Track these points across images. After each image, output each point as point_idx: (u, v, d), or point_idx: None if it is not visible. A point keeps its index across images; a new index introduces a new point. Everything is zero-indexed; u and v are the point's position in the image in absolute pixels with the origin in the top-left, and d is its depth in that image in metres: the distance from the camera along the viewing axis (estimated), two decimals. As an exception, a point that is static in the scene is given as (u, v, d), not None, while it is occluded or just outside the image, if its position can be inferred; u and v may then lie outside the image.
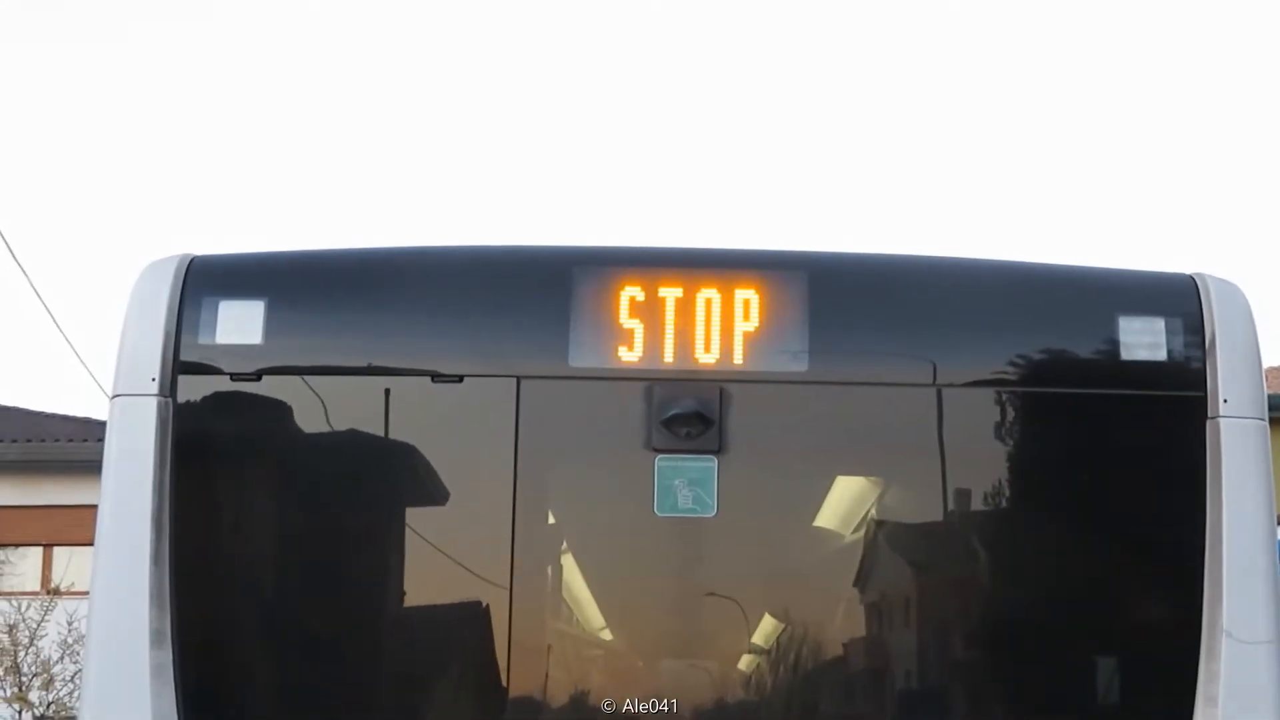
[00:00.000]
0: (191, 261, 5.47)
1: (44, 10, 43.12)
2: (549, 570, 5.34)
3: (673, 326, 5.32)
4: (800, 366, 5.32)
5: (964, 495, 5.34)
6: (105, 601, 5.22)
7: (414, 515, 5.37)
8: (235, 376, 5.33)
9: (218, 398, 5.35)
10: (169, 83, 46.43)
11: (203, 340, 5.35)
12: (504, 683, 5.21)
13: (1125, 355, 5.33)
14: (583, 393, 5.32)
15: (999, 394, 5.34)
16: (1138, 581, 5.30)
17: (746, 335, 5.33)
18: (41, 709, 23.71)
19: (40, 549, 26.73)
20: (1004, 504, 5.38)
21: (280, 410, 5.37)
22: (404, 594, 5.38)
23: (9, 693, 23.73)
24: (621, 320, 5.33)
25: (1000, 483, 5.37)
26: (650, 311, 5.33)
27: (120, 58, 47.22)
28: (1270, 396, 5.65)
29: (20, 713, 23.78)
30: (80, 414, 28.67)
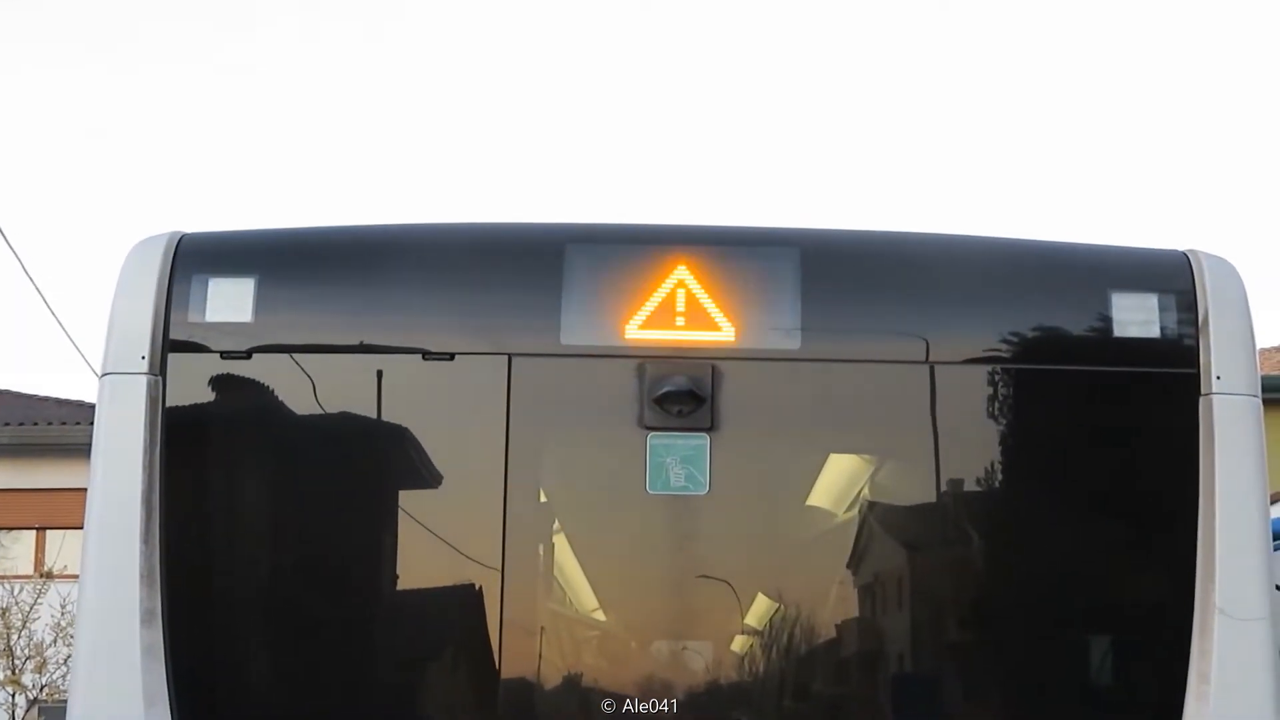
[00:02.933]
0: (181, 239, 5.46)
1: (35, -7, 43.00)
2: (541, 549, 5.32)
3: (665, 304, 5.30)
4: (793, 344, 5.31)
5: (957, 473, 5.33)
6: (96, 581, 5.21)
7: (405, 493, 5.36)
8: (225, 354, 5.31)
9: (208, 376, 5.33)
10: (160, 62, 46.32)
11: (193, 318, 5.33)
12: (495, 662, 5.19)
13: (1118, 332, 5.32)
14: (575, 370, 5.31)
15: (992, 371, 5.32)
16: (1130, 559, 5.29)
17: (739, 313, 5.32)
18: (34, 692, 23.71)
19: (33, 532, 26.72)
20: (997, 482, 5.37)
21: (271, 388, 5.35)
22: (395, 572, 5.37)
23: (2, 676, 23.72)
24: (613, 298, 5.31)
25: (993, 460, 5.35)
26: (643, 289, 5.32)
27: (111, 38, 47.08)
28: (1264, 378, 5.64)
29: (13, 696, 23.78)
30: (74, 397, 28.69)
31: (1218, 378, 5.26)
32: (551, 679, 5.25)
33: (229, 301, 5.33)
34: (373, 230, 5.62)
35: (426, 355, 5.30)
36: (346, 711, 5.18)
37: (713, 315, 5.31)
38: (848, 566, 5.30)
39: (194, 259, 5.40)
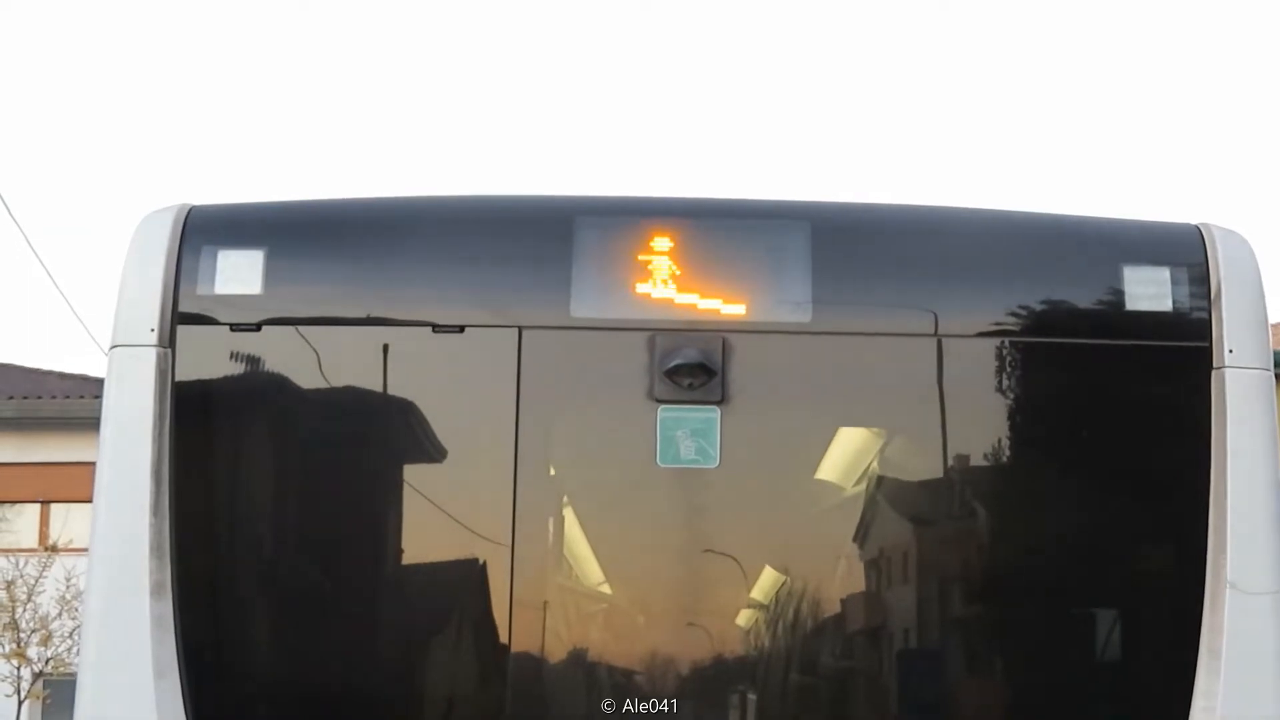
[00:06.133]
0: (190, 211, 5.44)
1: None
2: (551, 522, 5.31)
3: (675, 276, 5.29)
4: (803, 317, 5.29)
5: (967, 447, 5.32)
6: (105, 553, 5.20)
7: (415, 467, 5.35)
8: (235, 327, 5.30)
9: (217, 348, 5.31)
10: (166, 36, 46.24)
11: (202, 291, 5.31)
12: (505, 636, 5.19)
13: (1130, 305, 5.31)
14: (585, 343, 5.29)
15: (1003, 344, 5.31)
16: (1141, 533, 5.28)
17: (749, 286, 5.31)
18: (40, 665, 23.78)
19: (38, 505, 26.77)
20: (1007, 455, 5.36)
21: (280, 361, 5.33)
22: (404, 546, 5.36)
23: (7, 649, 23.79)
24: (624, 270, 5.30)
25: (1004, 434, 5.34)
26: (652, 261, 5.30)
27: (118, 11, 46.98)
28: (1276, 352, 5.63)
29: (19, 669, 23.83)
30: (77, 371, 28.74)
31: (1230, 351, 5.24)
32: (561, 652, 5.25)
33: (238, 274, 5.31)
34: (382, 202, 5.60)
35: (436, 328, 5.28)
36: (357, 685, 5.18)
37: (723, 288, 5.29)
38: (857, 540, 5.29)
39: (203, 231, 5.38)
